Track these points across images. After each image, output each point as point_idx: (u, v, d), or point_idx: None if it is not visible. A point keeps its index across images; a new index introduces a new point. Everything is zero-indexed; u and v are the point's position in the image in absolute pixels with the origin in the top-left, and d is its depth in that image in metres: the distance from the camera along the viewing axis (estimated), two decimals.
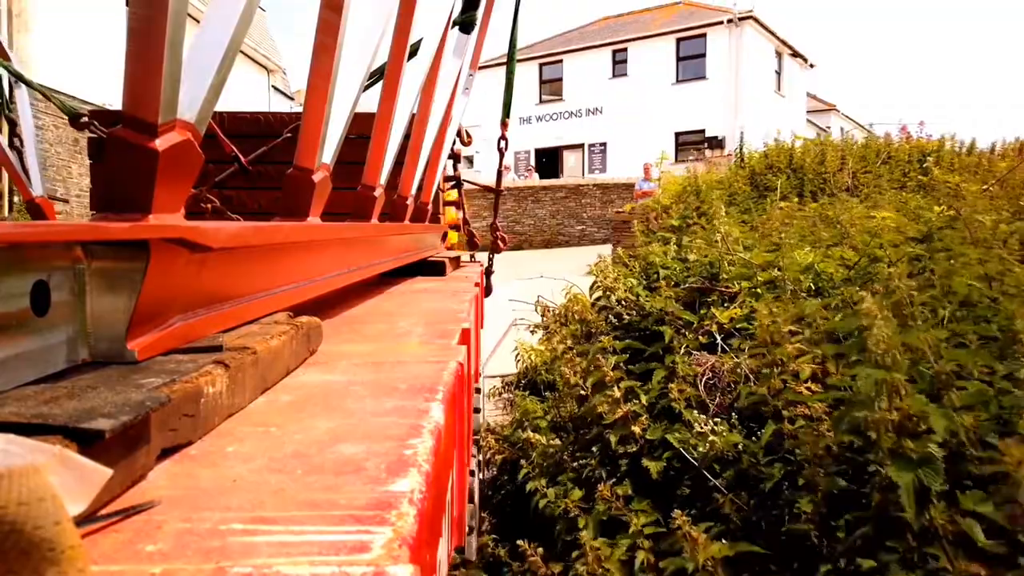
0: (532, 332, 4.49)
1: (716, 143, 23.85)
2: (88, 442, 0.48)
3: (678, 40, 25.73)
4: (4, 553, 0.32)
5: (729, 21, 24.60)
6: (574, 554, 2.26)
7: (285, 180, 1.27)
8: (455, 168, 4.39)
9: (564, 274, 5.19)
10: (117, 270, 0.71)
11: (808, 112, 31.31)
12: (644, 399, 2.83)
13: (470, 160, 25.42)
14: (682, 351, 3.17)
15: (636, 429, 2.68)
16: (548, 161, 28.79)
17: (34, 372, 0.63)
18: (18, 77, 3.11)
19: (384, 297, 1.91)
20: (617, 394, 2.76)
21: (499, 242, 4.47)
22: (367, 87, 1.71)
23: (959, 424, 1.54)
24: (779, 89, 27.42)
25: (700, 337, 3.28)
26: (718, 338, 3.19)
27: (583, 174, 27.03)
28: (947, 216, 3.17)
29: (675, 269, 4.11)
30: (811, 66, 29.75)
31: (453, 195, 4.55)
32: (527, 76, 27.94)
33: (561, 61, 28.36)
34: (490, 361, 6.06)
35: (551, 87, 28.86)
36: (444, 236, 3.81)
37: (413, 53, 2.05)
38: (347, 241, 1.59)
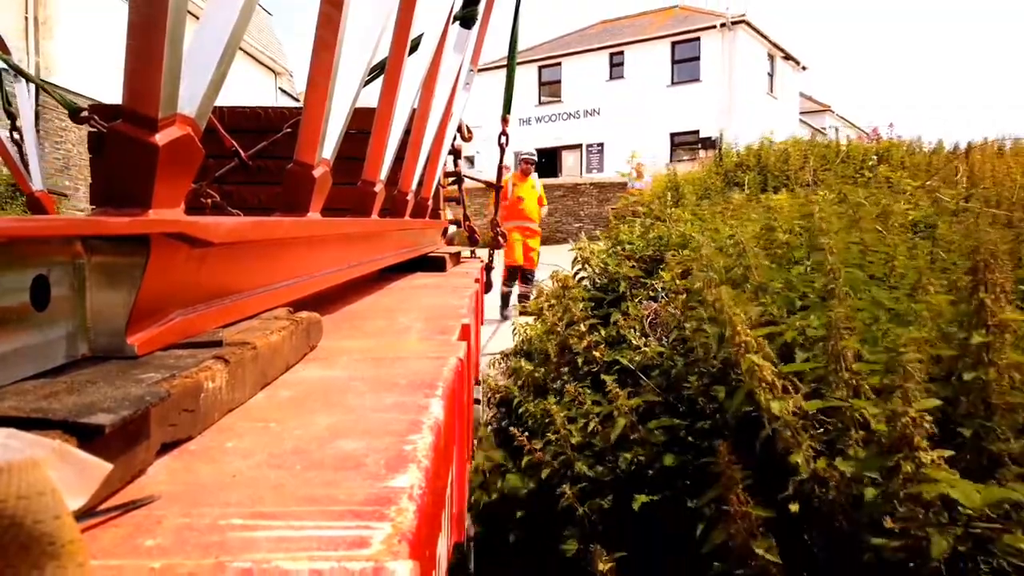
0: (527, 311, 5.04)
1: (710, 144, 23.94)
2: (88, 437, 0.48)
3: (673, 43, 26.40)
4: (4, 547, 0.32)
5: (722, 25, 25.23)
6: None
7: (285, 175, 1.27)
8: (456, 164, 4.38)
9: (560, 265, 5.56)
10: (117, 265, 0.71)
11: (803, 113, 32.02)
12: (604, 333, 3.81)
13: (471, 160, 25.65)
14: (636, 301, 4.19)
15: (597, 354, 3.59)
16: (547, 161, 29.25)
17: (33, 367, 0.63)
18: (17, 71, 3.10)
19: (384, 293, 1.91)
20: (583, 328, 3.71)
21: (499, 238, 4.47)
22: (367, 82, 1.70)
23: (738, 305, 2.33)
24: (772, 91, 28.04)
25: (650, 292, 4.37)
26: (660, 292, 4.22)
27: (581, 174, 27.37)
28: (833, 199, 4.27)
29: (639, 244, 5.17)
30: (803, 68, 30.43)
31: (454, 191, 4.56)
32: (526, 78, 28.61)
33: (560, 64, 29.07)
34: (491, 342, 6.32)
35: (550, 89, 29.51)
36: (444, 232, 3.81)
37: (414, 48, 2.05)
38: (347, 237, 1.59)
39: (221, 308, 0.90)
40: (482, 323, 3.66)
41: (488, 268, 4.15)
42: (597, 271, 4.80)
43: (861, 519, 1.79)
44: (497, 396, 4.09)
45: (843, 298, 2.37)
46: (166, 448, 0.62)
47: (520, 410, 3.63)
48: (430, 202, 2.94)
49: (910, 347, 1.74)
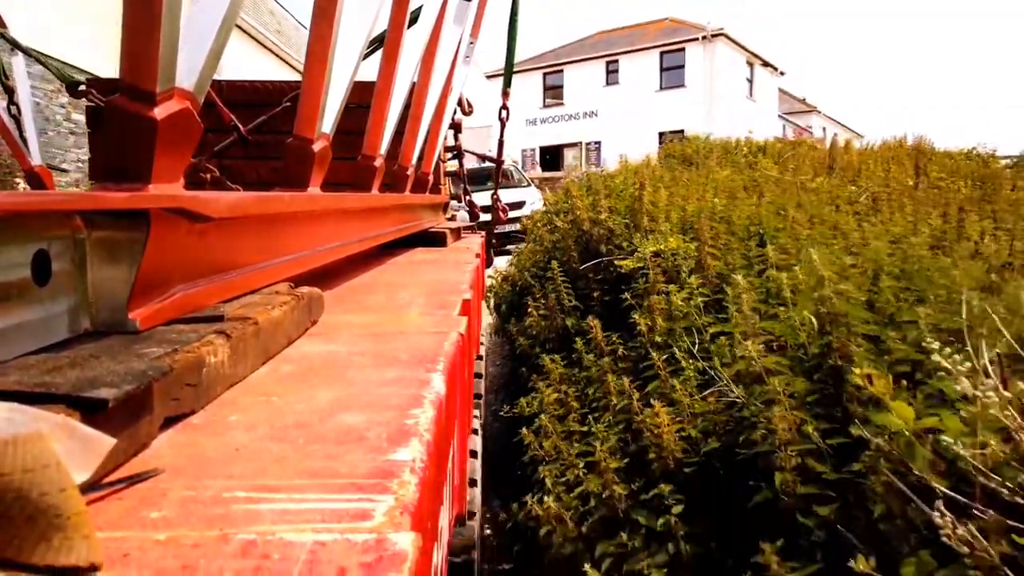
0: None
1: None
2: (91, 411, 0.49)
3: (661, 53, 30.24)
4: (11, 519, 0.33)
5: (703, 38, 28.91)
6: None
7: (285, 150, 1.27)
8: (456, 138, 4.36)
9: None
10: (117, 240, 0.71)
11: (790, 113, 37.79)
12: (550, 228, 6.13)
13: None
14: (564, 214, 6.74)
15: (546, 234, 5.96)
16: (551, 158, 32.70)
17: (36, 342, 0.63)
18: (14, 44, 3.07)
19: (385, 268, 1.91)
20: (540, 224, 6.52)
21: (499, 213, 4.46)
22: (367, 55, 1.69)
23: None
24: (751, 95, 31.62)
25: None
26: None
27: (581, 168, 29.15)
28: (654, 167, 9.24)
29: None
30: (781, 73, 33.96)
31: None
32: (532, 83, 32.64)
33: (562, 71, 32.98)
34: None
35: (553, 93, 33.40)
36: (445, 207, 3.80)
37: (413, 21, 2.03)
38: (347, 211, 1.58)
39: (222, 283, 0.90)
40: (483, 298, 3.67)
41: (489, 243, 4.14)
42: (552, 205, 7.74)
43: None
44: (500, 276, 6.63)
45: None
46: (169, 422, 0.62)
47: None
48: (430, 177, 2.93)
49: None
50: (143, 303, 0.73)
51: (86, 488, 0.45)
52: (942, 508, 1.25)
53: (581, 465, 2.49)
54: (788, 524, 1.82)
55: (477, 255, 2.55)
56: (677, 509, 2.10)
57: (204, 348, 0.67)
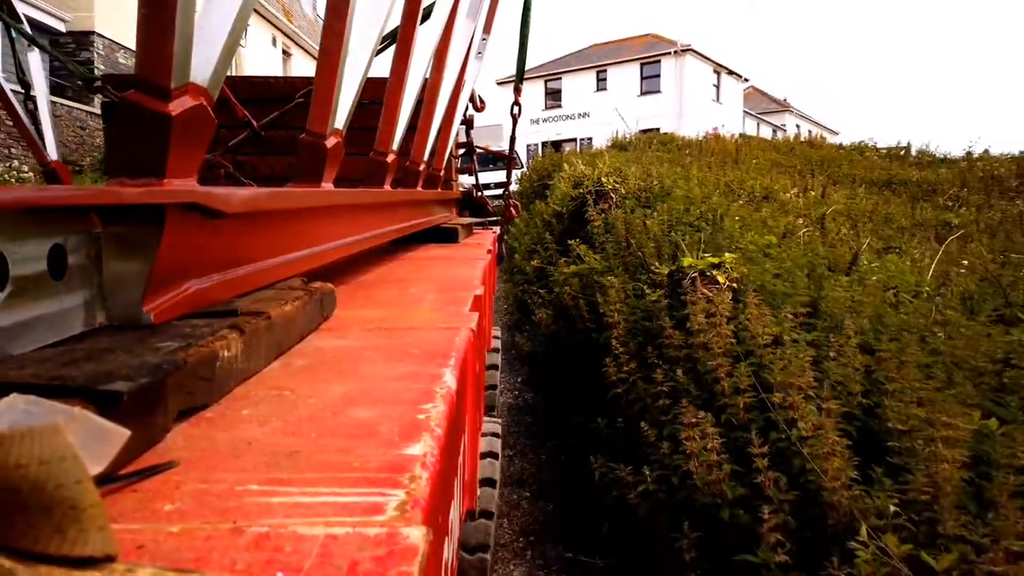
0: None
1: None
2: (106, 404, 0.49)
3: (641, 64, 37.42)
4: (27, 511, 0.33)
5: (675, 52, 35.83)
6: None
7: (298, 145, 1.27)
8: (468, 135, 4.36)
9: None
10: (132, 235, 0.71)
11: (765, 112, 46.66)
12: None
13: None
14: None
15: (525, 181, 13.56)
16: (551, 152, 36.27)
17: (52, 335, 0.64)
18: (31, 40, 3.10)
19: (397, 263, 1.92)
20: (528, 183, 13.13)
21: (511, 209, 4.45)
22: (379, 51, 1.69)
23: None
24: (718, 98, 38.60)
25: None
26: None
27: None
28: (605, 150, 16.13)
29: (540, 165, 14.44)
30: (746, 80, 41.70)
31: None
32: (536, 89, 39.69)
33: (560, 78, 40.43)
34: None
35: (553, 97, 40.86)
36: (457, 202, 3.80)
37: (426, 16, 2.03)
38: (360, 207, 1.59)
39: (236, 278, 0.90)
40: (494, 293, 3.68)
41: (501, 239, 4.14)
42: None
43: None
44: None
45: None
46: (183, 415, 0.63)
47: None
48: (442, 173, 2.93)
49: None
50: (157, 297, 0.73)
51: (101, 480, 0.45)
52: None
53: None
54: None
55: (489, 251, 2.55)
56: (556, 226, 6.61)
57: (218, 342, 0.68)
